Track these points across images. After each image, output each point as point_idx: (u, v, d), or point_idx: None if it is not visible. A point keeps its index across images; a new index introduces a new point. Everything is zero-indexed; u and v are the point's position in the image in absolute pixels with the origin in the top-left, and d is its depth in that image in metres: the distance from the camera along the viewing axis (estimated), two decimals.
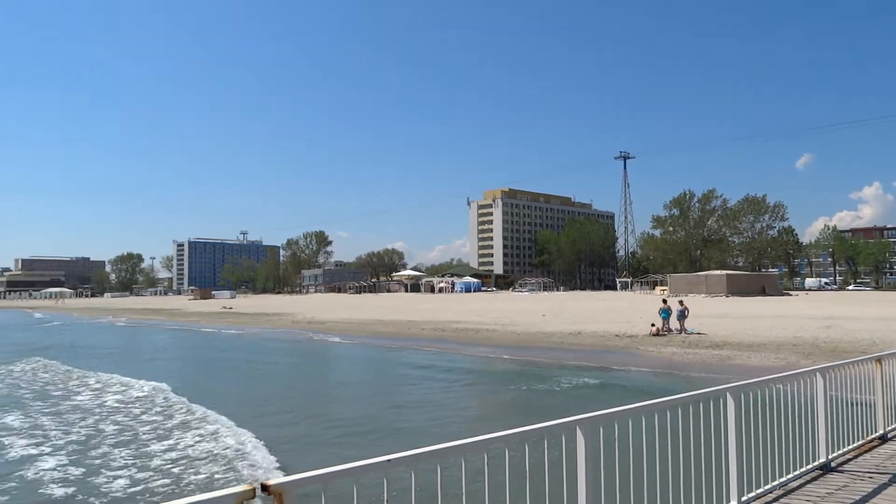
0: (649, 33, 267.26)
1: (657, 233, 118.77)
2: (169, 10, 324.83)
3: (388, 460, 2.69)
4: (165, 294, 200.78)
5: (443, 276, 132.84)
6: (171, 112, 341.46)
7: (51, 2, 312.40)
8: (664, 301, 29.66)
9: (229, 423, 12.70)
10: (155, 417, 13.91)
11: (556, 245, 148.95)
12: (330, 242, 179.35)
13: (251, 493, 2.25)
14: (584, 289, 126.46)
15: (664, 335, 26.45)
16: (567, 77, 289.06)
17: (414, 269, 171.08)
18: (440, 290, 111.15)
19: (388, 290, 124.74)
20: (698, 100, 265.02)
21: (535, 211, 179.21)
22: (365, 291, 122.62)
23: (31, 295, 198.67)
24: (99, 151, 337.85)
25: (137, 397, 16.63)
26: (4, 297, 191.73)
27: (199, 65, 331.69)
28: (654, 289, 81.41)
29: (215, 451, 10.54)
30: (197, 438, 11.48)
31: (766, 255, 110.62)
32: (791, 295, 69.84)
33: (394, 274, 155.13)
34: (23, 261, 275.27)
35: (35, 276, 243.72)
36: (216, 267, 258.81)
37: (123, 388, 18.31)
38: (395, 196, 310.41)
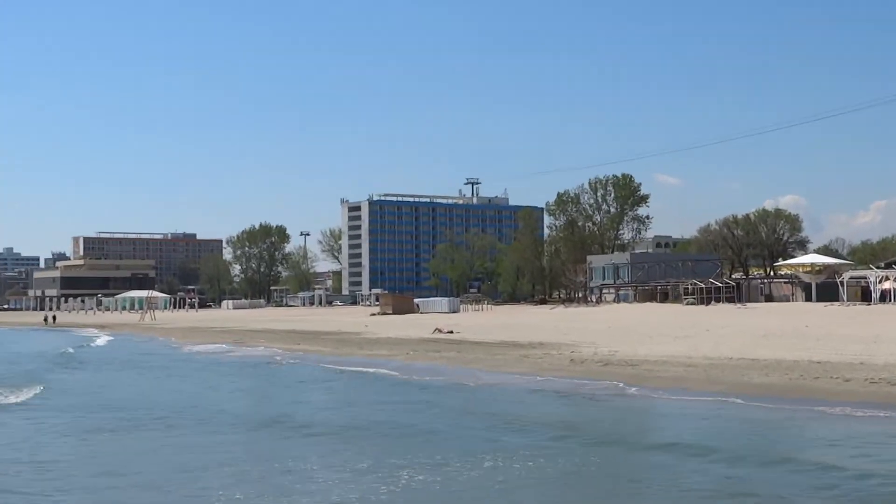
0: None
1: None
2: None
3: None
4: (329, 303, 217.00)
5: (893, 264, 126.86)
6: None
7: None
8: None
9: None
10: None
11: None
12: (642, 200, 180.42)
13: None
14: None
15: None
16: None
17: (823, 250, 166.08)
18: (883, 297, 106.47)
19: (767, 295, 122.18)
20: None
21: None
22: (715, 299, 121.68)
23: (99, 303, 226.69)
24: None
25: None
26: (59, 307, 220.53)
27: None
28: None
29: None
30: None
31: None
32: None
33: (780, 261, 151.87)
34: (85, 241, 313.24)
35: (106, 270, 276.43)
36: (420, 249, 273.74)
37: None
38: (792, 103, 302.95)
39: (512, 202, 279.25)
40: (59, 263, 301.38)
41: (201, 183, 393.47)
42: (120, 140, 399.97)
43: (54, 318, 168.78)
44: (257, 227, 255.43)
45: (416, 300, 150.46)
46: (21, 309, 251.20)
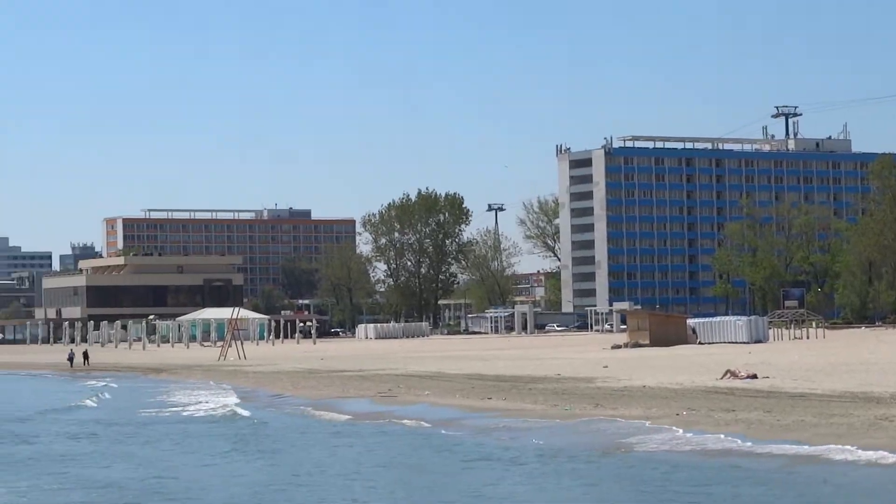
0: None
1: None
2: None
3: None
4: (540, 327, 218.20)
5: None
6: None
7: None
8: None
9: None
10: None
11: None
12: None
13: None
14: None
15: None
16: None
17: None
18: None
19: None
20: None
21: None
22: None
23: (152, 330, 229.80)
24: None
25: None
26: (86, 336, 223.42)
27: None
28: None
29: None
30: None
31: None
32: None
33: None
34: (125, 225, 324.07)
35: (161, 274, 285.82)
36: (697, 230, 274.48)
37: None
38: None
39: (857, 148, 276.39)
40: (83, 263, 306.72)
41: (313, 129, 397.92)
42: (175, 63, 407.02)
43: (86, 356, 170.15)
44: (413, 197, 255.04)
45: (690, 321, 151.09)
46: (24, 341, 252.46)
